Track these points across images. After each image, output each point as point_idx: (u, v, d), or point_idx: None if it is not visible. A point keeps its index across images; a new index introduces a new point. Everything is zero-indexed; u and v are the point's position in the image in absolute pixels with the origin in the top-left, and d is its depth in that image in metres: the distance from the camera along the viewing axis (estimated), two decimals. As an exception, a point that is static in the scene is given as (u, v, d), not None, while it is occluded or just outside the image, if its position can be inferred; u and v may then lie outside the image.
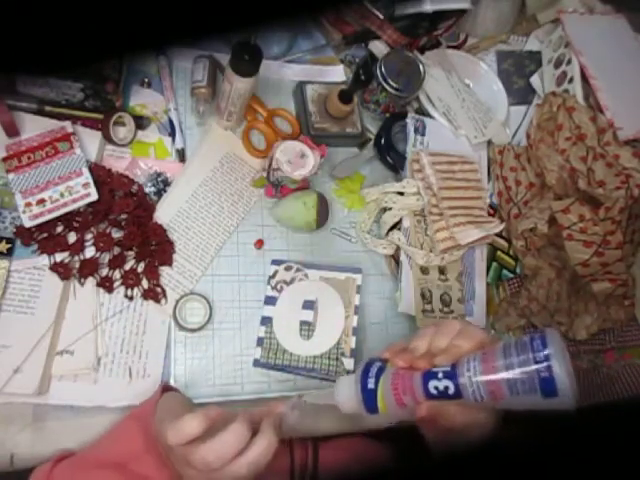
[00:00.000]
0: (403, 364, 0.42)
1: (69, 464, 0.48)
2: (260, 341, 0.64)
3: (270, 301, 0.65)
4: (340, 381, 0.45)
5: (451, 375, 0.39)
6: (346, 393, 0.43)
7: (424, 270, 0.71)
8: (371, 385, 0.42)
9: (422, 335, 0.44)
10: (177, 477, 0.44)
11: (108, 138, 0.65)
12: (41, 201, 0.59)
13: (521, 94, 0.90)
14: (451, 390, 0.39)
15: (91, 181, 0.61)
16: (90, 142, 0.65)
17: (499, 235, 0.77)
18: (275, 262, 0.68)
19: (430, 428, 0.44)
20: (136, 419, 0.50)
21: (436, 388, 0.39)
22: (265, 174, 0.70)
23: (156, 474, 0.44)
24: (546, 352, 0.36)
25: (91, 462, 0.48)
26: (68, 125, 0.63)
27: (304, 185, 0.71)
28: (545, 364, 0.35)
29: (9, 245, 0.58)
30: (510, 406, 0.38)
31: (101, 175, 0.63)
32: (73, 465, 0.48)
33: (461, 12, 0.81)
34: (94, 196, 0.61)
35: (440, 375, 0.39)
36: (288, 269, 0.67)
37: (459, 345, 0.41)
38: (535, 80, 0.90)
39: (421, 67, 0.78)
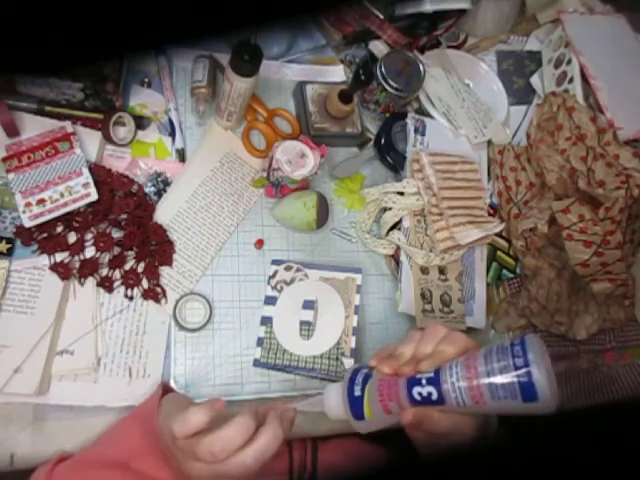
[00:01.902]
0: (388, 371, 0.43)
1: (70, 464, 0.48)
2: (260, 341, 0.64)
3: (270, 301, 0.65)
4: (328, 389, 0.45)
5: (434, 381, 0.39)
6: (333, 400, 0.44)
7: (424, 270, 0.71)
8: (357, 392, 0.43)
9: (408, 341, 0.45)
10: (179, 476, 0.44)
11: (108, 138, 0.65)
12: (41, 201, 0.59)
13: (521, 94, 0.90)
14: (434, 396, 0.39)
15: (91, 181, 0.61)
16: (90, 142, 0.65)
17: (499, 235, 0.77)
18: (275, 262, 0.68)
19: (416, 433, 0.45)
20: (137, 418, 0.50)
21: (420, 394, 0.40)
22: (265, 174, 0.70)
23: (158, 473, 0.44)
24: (526, 358, 0.36)
25: (92, 462, 0.48)
26: (68, 125, 0.63)
27: (304, 185, 0.71)
28: (525, 370, 0.36)
29: (9, 245, 0.58)
30: (492, 411, 0.39)
31: (101, 175, 0.63)
32: (74, 465, 0.48)
33: (461, 12, 0.81)
34: (94, 196, 0.61)
35: (424, 382, 0.40)
36: (288, 269, 0.67)
37: (444, 350, 0.42)
38: (535, 80, 0.90)
39: (421, 67, 0.78)
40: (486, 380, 0.37)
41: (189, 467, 0.44)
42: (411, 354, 0.44)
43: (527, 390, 0.36)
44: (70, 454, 0.51)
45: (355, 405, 0.42)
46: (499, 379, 0.37)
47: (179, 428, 0.42)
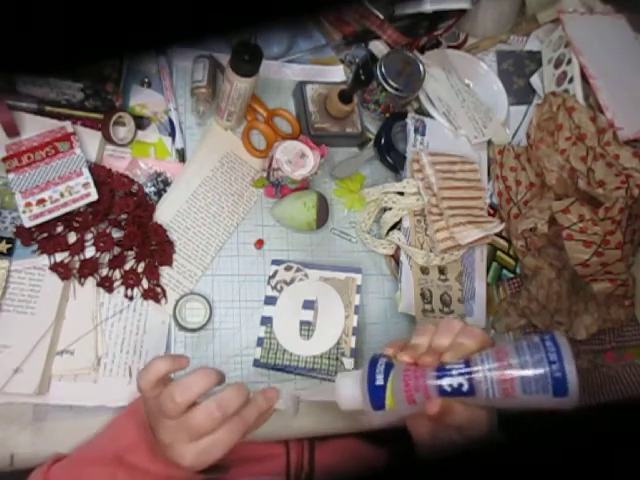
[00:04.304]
0: (409, 359, 0.43)
1: (65, 464, 0.48)
2: (260, 341, 0.64)
3: (270, 301, 0.65)
4: (342, 377, 0.45)
5: (466, 372, 0.40)
6: (349, 389, 0.44)
7: (424, 270, 0.71)
8: (380, 382, 0.42)
9: (423, 332, 0.45)
10: (170, 467, 0.44)
11: (108, 138, 0.65)
12: (41, 201, 0.59)
13: (521, 94, 0.90)
14: (465, 387, 0.39)
15: (91, 181, 0.61)
16: (90, 142, 0.65)
17: (499, 235, 0.77)
18: (275, 262, 0.68)
19: (420, 427, 0.45)
20: (129, 414, 0.50)
21: (450, 385, 0.40)
22: (265, 174, 0.70)
23: (150, 465, 0.44)
24: (559, 353, 0.37)
25: (87, 459, 0.48)
26: (68, 125, 0.63)
27: (304, 185, 0.71)
28: (558, 365, 0.37)
29: (9, 245, 0.58)
30: (519, 404, 0.39)
31: (101, 175, 0.63)
32: (69, 464, 0.48)
33: (461, 12, 0.81)
34: (94, 196, 0.61)
35: (454, 372, 0.40)
36: (288, 269, 0.67)
37: (465, 343, 0.42)
38: (535, 80, 0.90)
39: (421, 67, 0.78)
40: (519, 373, 0.38)
41: (162, 433, 0.45)
42: (427, 345, 0.44)
43: (560, 385, 0.37)
44: (64, 455, 0.51)
45: (376, 395, 0.42)
46: (532, 373, 0.38)
47: (140, 381, 0.44)
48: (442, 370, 0.41)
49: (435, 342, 0.43)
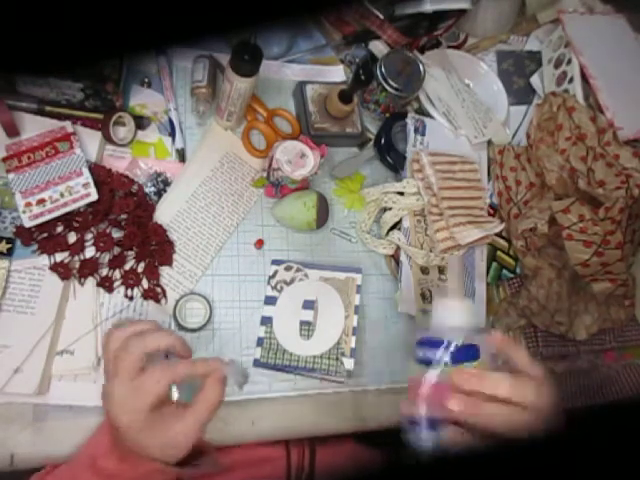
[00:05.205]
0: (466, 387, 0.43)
1: (59, 473, 0.48)
2: (260, 341, 0.64)
3: (270, 301, 0.65)
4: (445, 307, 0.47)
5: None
6: (453, 318, 0.46)
7: (424, 270, 0.71)
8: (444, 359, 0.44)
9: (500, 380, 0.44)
10: (138, 467, 0.44)
11: (108, 138, 0.65)
12: (41, 201, 0.59)
13: (521, 94, 0.90)
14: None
15: (91, 181, 0.61)
16: (90, 142, 0.65)
17: (499, 235, 0.77)
18: (275, 262, 0.68)
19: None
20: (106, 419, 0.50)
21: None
22: (265, 174, 0.70)
23: (117, 466, 0.44)
24: None
25: (78, 465, 0.48)
26: (68, 125, 0.63)
27: (304, 185, 0.71)
28: None
29: (9, 245, 0.58)
30: None
31: (101, 175, 0.63)
32: (62, 473, 0.48)
33: (461, 12, 0.81)
34: (94, 196, 0.61)
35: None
36: (288, 269, 0.67)
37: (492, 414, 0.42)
38: (535, 80, 0.90)
39: (421, 67, 0.78)
40: None
41: (111, 391, 0.44)
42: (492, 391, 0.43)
43: None
44: (58, 464, 0.51)
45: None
46: None
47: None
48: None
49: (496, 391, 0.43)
